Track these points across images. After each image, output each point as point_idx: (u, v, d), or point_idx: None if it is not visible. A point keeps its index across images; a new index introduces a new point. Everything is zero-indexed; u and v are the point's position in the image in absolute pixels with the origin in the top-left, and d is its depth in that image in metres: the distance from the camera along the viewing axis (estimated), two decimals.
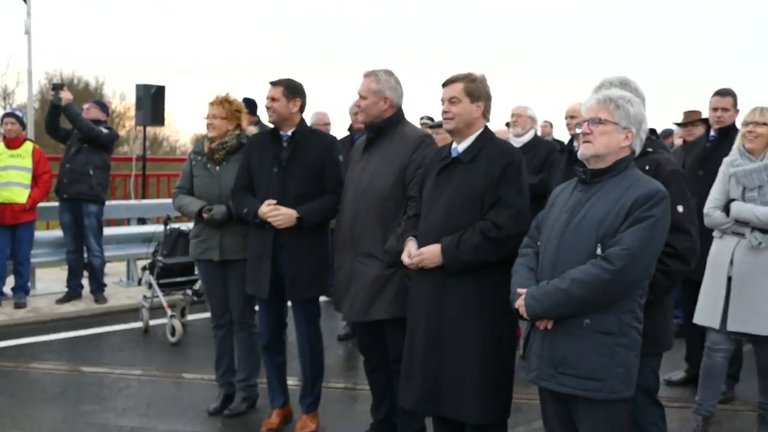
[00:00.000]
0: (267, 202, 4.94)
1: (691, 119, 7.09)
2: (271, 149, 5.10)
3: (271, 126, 5.18)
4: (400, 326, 4.37)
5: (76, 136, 8.76)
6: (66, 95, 8.58)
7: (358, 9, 55.51)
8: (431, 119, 9.56)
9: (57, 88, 8.63)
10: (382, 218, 4.53)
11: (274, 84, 5.11)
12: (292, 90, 5.09)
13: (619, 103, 3.35)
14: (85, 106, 9.12)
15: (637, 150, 3.42)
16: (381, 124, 4.67)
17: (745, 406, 5.97)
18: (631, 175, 3.32)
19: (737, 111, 6.16)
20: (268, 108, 5.07)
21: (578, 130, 3.40)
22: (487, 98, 4.12)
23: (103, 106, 9.41)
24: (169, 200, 9.94)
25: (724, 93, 6.16)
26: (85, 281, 9.17)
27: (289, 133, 5.09)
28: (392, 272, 4.45)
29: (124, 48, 49.36)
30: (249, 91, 8.80)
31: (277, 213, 4.91)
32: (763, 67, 47.98)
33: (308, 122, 5.39)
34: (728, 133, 5.98)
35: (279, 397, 5.42)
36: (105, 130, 8.89)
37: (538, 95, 46.06)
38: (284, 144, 5.08)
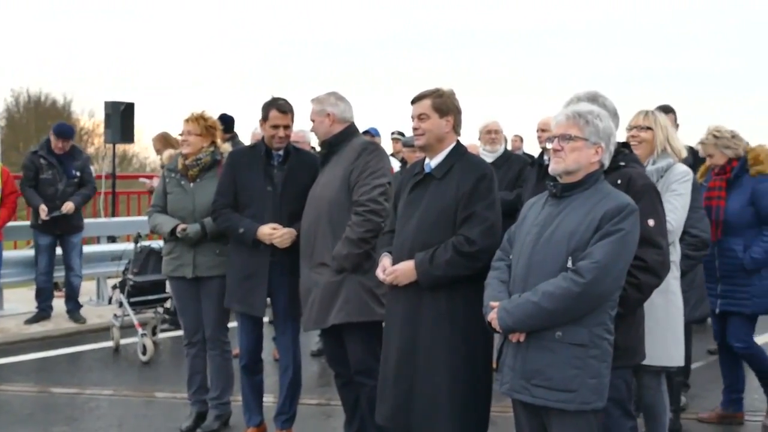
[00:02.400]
0: (271, 226, 4.95)
1: None
2: (261, 167, 5.09)
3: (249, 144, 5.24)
4: (356, 333, 4.47)
5: (57, 171, 8.60)
6: (68, 208, 8.50)
7: (332, 25, 55.75)
8: (402, 134, 9.58)
9: (54, 212, 8.47)
10: (331, 226, 4.61)
11: (288, 112, 5.09)
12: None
13: (589, 118, 3.39)
14: (60, 145, 8.61)
15: (606, 163, 3.47)
16: (332, 140, 4.79)
17: (694, 415, 6.04)
18: (601, 188, 3.37)
19: (678, 126, 6.27)
20: (281, 137, 5.06)
21: (548, 146, 3.44)
22: (456, 112, 4.16)
23: (69, 133, 8.98)
24: (140, 218, 9.94)
25: (666, 110, 6.25)
26: (57, 301, 9.05)
27: (281, 152, 5.11)
28: (343, 277, 4.52)
29: (92, 65, 49.10)
30: (220, 107, 8.80)
31: (282, 233, 4.94)
32: (728, 81, 48.79)
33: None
34: None
35: (256, 417, 5.40)
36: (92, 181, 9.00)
37: (508, 109, 46.37)
38: (275, 162, 5.10)
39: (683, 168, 4.63)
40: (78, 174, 8.71)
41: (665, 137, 4.64)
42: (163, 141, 8.61)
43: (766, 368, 5.70)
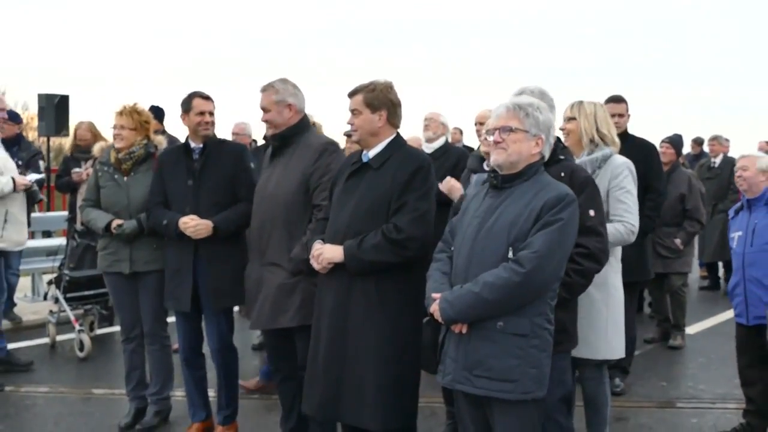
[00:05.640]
0: (188, 217, 4.91)
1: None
2: (183, 162, 5.07)
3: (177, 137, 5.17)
4: (307, 333, 4.40)
5: None
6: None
7: (264, 18, 55.33)
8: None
9: None
10: (287, 226, 4.53)
11: (210, 99, 5.09)
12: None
13: (529, 110, 3.42)
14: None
15: (546, 155, 3.52)
16: (286, 133, 4.66)
17: (649, 402, 6.18)
18: (541, 179, 3.41)
19: (629, 116, 6.38)
20: (207, 122, 5.04)
21: (490, 138, 3.46)
22: (389, 106, 4.14)
23: (15, 117, 8.73)
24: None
25: (619, 99, 6.34)
26: None
27: (201, 145, 5.07)
28: (298, 280, 4.45)
29: (25, 57, 47.91)
30: (154, 101, 8.59)
31: (194, 224, 4.88)
32: (658, 75, 49.79)
33: (228, 131, 5.36)
34: (626, 137, 6.17)
35: (200, 411, 5.35)
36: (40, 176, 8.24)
37: (447, 102, 46.62)
38: (196, 156, 5.06)
39: (621, 160, 4.61)
40: (20, 164, 8.42)
41: (592, 127, 4.60)
42: (94, 133, 8.35)
43: None
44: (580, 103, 4.68)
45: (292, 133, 4.66)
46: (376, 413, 3.91)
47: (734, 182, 5.74)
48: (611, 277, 4.43)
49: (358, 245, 3.92)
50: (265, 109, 4.68)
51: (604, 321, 4.37)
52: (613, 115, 6.12)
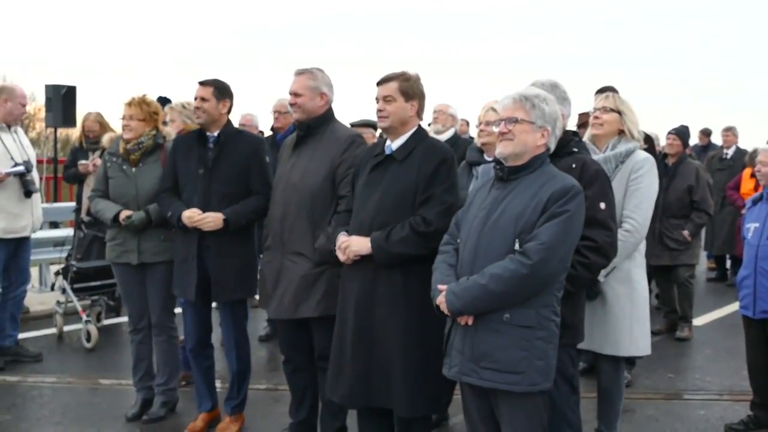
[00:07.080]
0: (191, 210, 4.89)
1: (583, 121, 7.14)
2: (196, 150, 5.04)
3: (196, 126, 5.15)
4: (327, 324, 4.40)
5: None
6: None
7: (264, 10, 55.29)
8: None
9: None
10: (312, 216, 4.52)
11: (203, 84, 5.04)
12: (222, 91, 5.05)
13: (535, 102, 3.41)
14: None
15: (552, 147, 3.50)
16: (312, 122, 4.65)
17: (657, 394, 6.17)
18: (547, 171, 3.40)
19: None
20: (197, 108, 5.01)
21: (495, 129, 3.45)
22: (421, 97, 4.17)
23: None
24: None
25: (612, 90, 6.24)
26: None
27: (216, 134, 5.04)
28: (322, 270, 4.46)
29: (32, 47, 47.98)
30: (159, 92, 8.56)
31: (202, 218, 4.86)
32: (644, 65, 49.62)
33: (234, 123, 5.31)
34: None
35: (206, 402, 5.36)
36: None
37: (453, 94, 46.52)
38: (210, 145, 5.03)
39: (643, 155, 4.51)
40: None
41: (631, 121, 4.52)
42: (102, 123, 8.36)
43: None
44: (618, 95, 4.60)
45: (319, 123, 4.66)
46: (403, 399, 3.93)
47: None
48: (635, 272, 4.41)
49: (385, 238, 3.93)
50: (296, 93, 4.65)
51: (629, 317, 4.34)
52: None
